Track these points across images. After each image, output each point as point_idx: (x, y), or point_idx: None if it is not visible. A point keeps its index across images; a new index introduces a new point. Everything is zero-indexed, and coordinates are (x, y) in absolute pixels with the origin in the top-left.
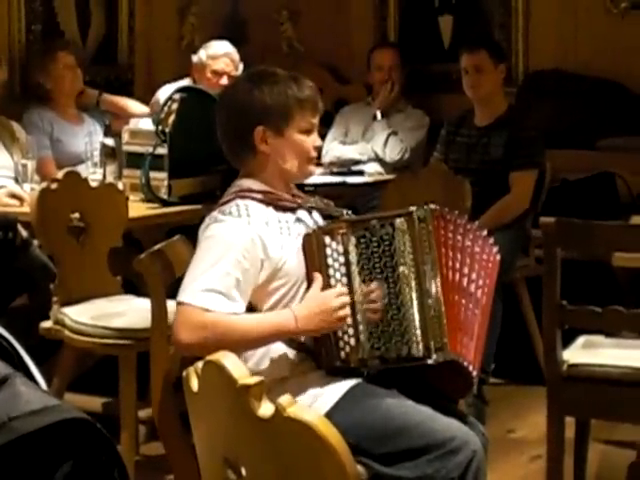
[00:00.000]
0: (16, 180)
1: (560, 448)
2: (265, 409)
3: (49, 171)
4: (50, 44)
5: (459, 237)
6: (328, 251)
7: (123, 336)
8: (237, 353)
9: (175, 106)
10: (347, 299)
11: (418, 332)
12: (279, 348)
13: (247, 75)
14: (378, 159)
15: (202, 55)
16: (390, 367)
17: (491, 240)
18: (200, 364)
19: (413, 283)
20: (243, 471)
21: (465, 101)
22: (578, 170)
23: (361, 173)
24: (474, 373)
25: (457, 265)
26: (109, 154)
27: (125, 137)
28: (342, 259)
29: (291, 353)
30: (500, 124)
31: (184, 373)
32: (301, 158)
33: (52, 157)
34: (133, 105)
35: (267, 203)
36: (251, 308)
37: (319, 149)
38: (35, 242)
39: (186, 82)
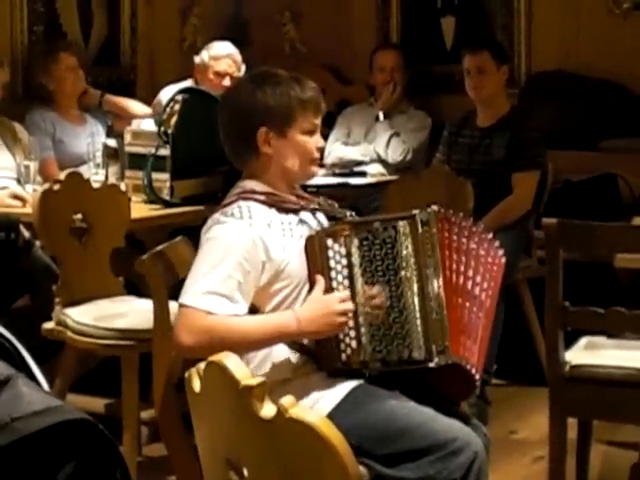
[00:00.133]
0: (18, 181)
1: (562, 449)
2: (267, 410)
3: (51, 172)
4: (52, 45)
5: (464, 240)
6: (330, 253)
7: (125, 337)
8: (239, 355)
9: (177, 107)
10: (350, 305)
11: (420, 335)
12: (281, 350)
13: (249, 76)
14: (380, 160)
15: (204, 56)
16: (392, 370)
17: (497, 243)
18: (202, 365)
19: (415, 286)
20: (245, 472)
21: (467, 102)
22: (580, 171)
23: (363, 174)
24: (477, 376)
25: (461, 268)
26: (111, 155)
27: (127, 138)
28: (344, 261)
29: (293, 355)
30: (502, 125)
31: (186, 374)
32: (304, 159)
33: (54, 158)
34: (135, 106)
35: (270, 205)
36: (253, 310)
37: (322, 150)
38: (37, 243)
39: (188, 83)
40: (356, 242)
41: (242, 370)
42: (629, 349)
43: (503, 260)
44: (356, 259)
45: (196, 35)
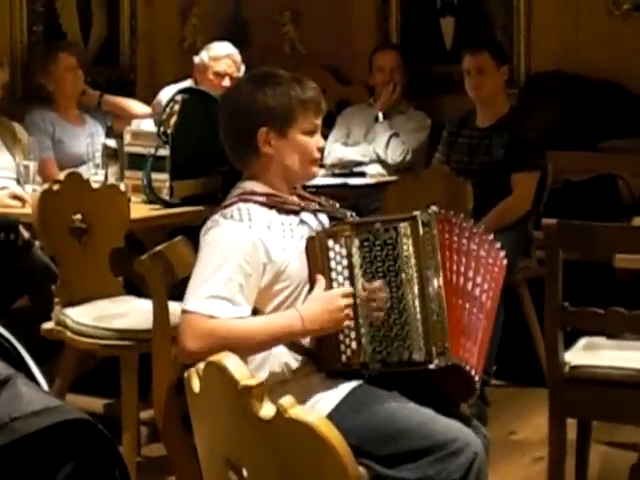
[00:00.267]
0: (18, 181)
1: (562, 450)
2: (266, 410)
3: (51, 172)
4: (51, 45)
5: (464, 241)
6: (331, 254)
7: (125, 337)
8: (244, 357)
9: (177, 107)
10: (352, 300)
11: (420, 337)
12: (280, 352)
13: (249, 77)
14: (380, 160)
15: (204, 56)
16: (392, 371)
17: (498, 244)
18: (201, 365)
19: (416, 288)
20: (244, 472)
21: (467, 102)
22: (580, 172)
23: (363, 175)
24: (477, 377)
25: (462, 269)
26: (111, 155)
27: (127, 138)
28: (345, 262)
29: (292, 356)
30: (502, 125)
31: (185, 374)
32: (304, 159)
33: (54, 158)
34: (135, 106)
35: (270, 206)
36: (254, 311)
37: (322, 150)
38: (37, 243)
39: (188, 83)
40: (357, 243)
41: (241, 370)
42: (629, 350)
43: (504, 262)
44: (357, 260)
45: (196, 35)
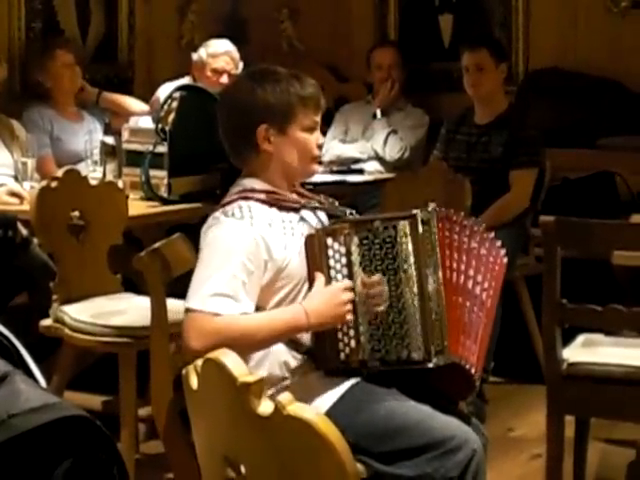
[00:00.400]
0: (16, 178)
1: (560, 447)
2: (265, 407)
3: (49, 169)
4: (49, 42)
5: (465, 239)
6: (330, 252)
7: (123, 334)
8: (249, 353)
9: (175, 104)
10: (353, 294)
11: (419, 335)
12: (279, 350)
13: (248, 73)
14: (378, 158)
15: (202, 53)
16: (390, 369)
17: (498, 242)
18: (200, 362)
19: (415, 286)
20: (242, 469)
21: (465, 100)
22: (578, 169)
23: (361, 172)
24: (476, 375)
25: (462, 267)
26: (109, 152)
27: (125, 135)
28: (344, 260)
29: (291, 354)
30: (500, 123)
31: (184, 371)
32: (304, 156)
33: (52, 155)
34: (133, 103)
35: (270, 204)
36: (256, 309)
37: (321, 147)
38: (35, 240)
39: (186, 80)
40: (356, 240)
41: (240, 367)
42: (627, 347)
43: (505, 260)
44: (356, 258)
45: (194, 32)
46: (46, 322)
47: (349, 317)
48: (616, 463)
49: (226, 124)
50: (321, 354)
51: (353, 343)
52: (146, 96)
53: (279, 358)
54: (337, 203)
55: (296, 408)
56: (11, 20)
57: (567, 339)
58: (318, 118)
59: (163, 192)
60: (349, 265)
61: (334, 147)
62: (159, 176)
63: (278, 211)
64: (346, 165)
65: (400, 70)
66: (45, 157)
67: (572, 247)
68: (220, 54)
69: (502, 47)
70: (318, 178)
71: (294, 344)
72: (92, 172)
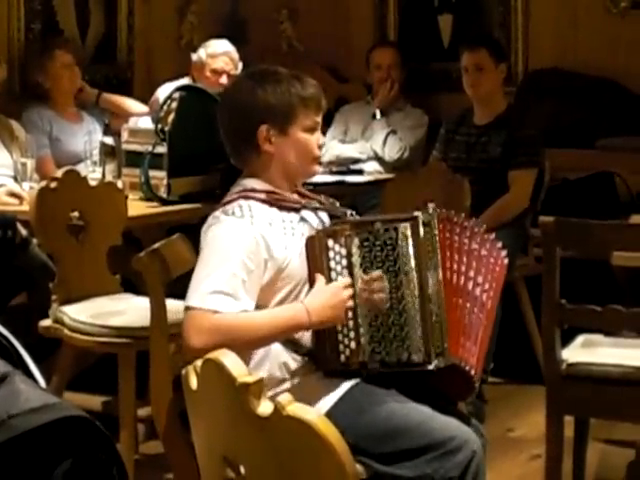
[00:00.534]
0: (15, 179)
1: (559, 447)
2: (264, 407)
3: (48, 170)
4: (48, 43)
5: (466, 240)
6: (331, 254)
7: (122, 335)
8: (249, 351)
9: (174, 105)
10: (351, 290)
11: (419, 338)
12: (278, 351)
13: (249, 74)
14: (377, 158)
15: (201, 54)
16: (390, 371)
17: (499, 244)
18: (199, 362)
19: (415, 289)
20: (242, 469)
21: (464, 100)
22: (577, 169)
23: (360, 172)
24: (476, 377)
25: (462, 268)
26: (108, 153)
27: (124, 136)
28: (345, 262)
29: (290, 356)
30: (499, 123)
31: (183, 371)
32: (305, 157)
33: (51, 156)
34: (132, 104)
35: (270, 203)
36: (257, 308)
37: (322, 147)
38: (34, 241)
39: (185, 81)
40: (357, 242)
41: (239, 367)
42: (626, 347)
43: (506, 261)
44: (356, 259)
45: (193, 33)
46: (45, 322)
47: (350, 316)
48: (615, 463)
49: (227, 124)
50: (321, 355)
51: (353, 345)
52: (145, 96)
53: (279, 359)
54: (338, 204)
55: (295, 409)
56: (10, 20)
57: (566, 339)
58: (319, 119)
59: (162, 192)
60: (350, 266)
61: (333, 147)
62: (158, 176)
63: (278, 211)
64: (345, 165)
65: (399, 70)
66: (44, 158)
67: (571, 247)
68: (219, 54)
69: (501, 47)
70: (317, 178)
71: (294, 345)
72: (91, 173)
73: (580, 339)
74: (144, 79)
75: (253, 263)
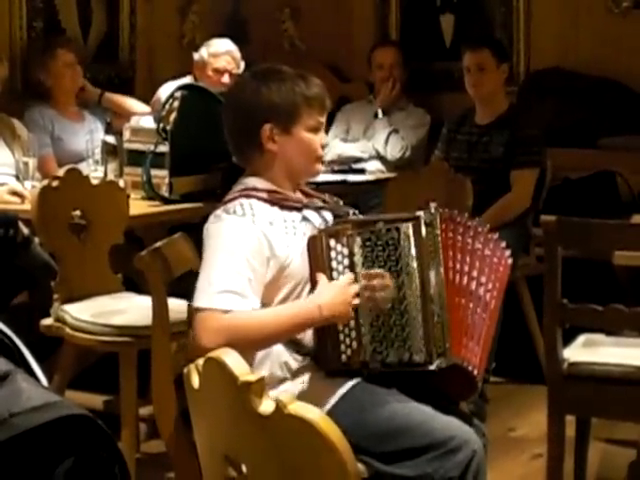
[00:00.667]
0: (17, 178)
1: (561, 447)
2: (266, 406)
3: (50, 169)
4: (49, 42)
5: (469, 240)
6: (333, 254)
7: (124, 333)
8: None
9: (176, 104)
10: (357, 286)
11: (421, 338)
12: (280, 351)
13: (253, 73)
14: (379, 157)
15: (203, 53)
16: (392, 371)
17: (503, 243)
18: (201, 361)
19: (417, 289)
20: (244, 468)
21: (466, 99)
22: (579, 169)
23: (362, 171)
24: (478, 376)
25: (465, 268)
26: (110, 152)
27: (126, 135)
28: (347, 262)
29: (291, 356)
30: (501, 123)
31: (185, 370)
32: (308, 157)
33: (53, 155)
34: (134, 104)
35: (272, 202)
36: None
37: (325, 147)
38: (36, 240)
39: (187, 80)
40: (359, 242)
41: (241, 366)
42: (627, 346)
43: (510, 261)
44: (358, 259)
45: (195, 32)
46: (47, 321)
47: (351, 314)
48: (617, 463)
49: (231, 123)
50: (322, 355)
51: (355, 344)
52: (147, 95)
53: (280, 359)
54: (341, 202)
55: (297, 407)
56: (12, 19)
57: (568, 339)
58: (323, 119)
59: (164, 192)
60: (352, 266)
61: (335, 146)
62: (160, 175)
63: (280, 210)
64: (347, 164)
65: (401, 70)
66: (46, 156)
67: (573, 247)
68: (221, 54)
69: (503, 47)
70: (319, 178)
71: (295, 345)
72: (93, 171)
73: (582, 339)
74: (146, 78)
75: (257, 261)
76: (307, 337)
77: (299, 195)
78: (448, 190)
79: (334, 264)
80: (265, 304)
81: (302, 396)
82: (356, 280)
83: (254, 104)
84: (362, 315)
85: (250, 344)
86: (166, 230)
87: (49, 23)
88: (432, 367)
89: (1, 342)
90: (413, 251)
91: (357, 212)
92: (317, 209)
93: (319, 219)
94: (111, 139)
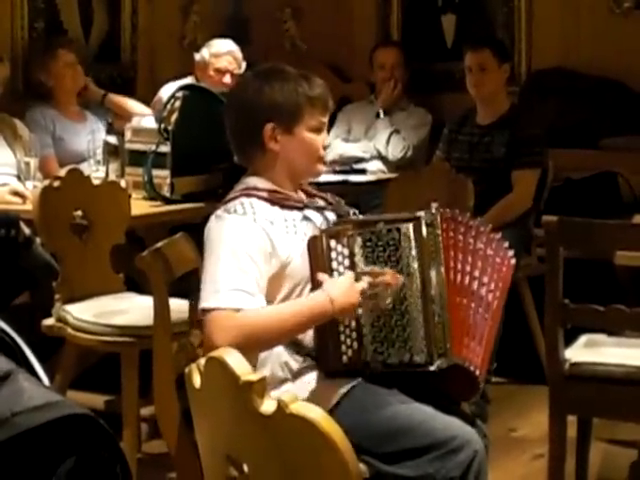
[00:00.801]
0: (19, 178)
1: (562, 447)
2: (267, 406)
3: (51, 169)
4: (50, 42)
5: (470, 240)
6: (333, 254)
7: (125, 334)
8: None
9: (178, 104)
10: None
11: (421, 339)
12: (280, 352)
13: (256, 72)
14: (381, 157)
15: (205, 53)
16: (392, 372)
17: (506, 243)
18: (202, 361)
19: (418, 289)
20: (245, 468)
21: (468, 100)
22: (581, 169)
23: (363, 171)
24: (481, 377)
25: (467, 268)
26: (112, 152)
27: (128, 135)
28: (347, 262)
29: (292, 357)
30: (503, 123)
31: (186, 370)
32: (310, 157)
33: (54, 155)
34: (136, 106)
35: (272, 202)
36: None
37: (326, 147)
38: (38, 240)
39: (189, 80)
40: (359, 242)
41: (242, 366)
42: (629, 347)
43: (513, 261)
44: (359, 259)
45: (196, 32)
46: (49, 321)
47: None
48: (618, 463)
49: (233, 122)
50: (323, 356)
51: (356, 345)
52: (149, 96)
53: (280, 359)
54: (343, 202)
55: (299, 407)
56: (14, 19)
57: (569, 339)
58: (325, 119)
59: (166, 192)
60: (352, 267)
61: (337, 146)
62: (162, 176)
63: (280, 210)
64: (348, 164)
65: (403, 70)
66: (48, 157)
67: (575, 247)
68: (223, 54)
69: (505, 47)
70: (320, 178)
71: (295, 346)
72: (95, 172)
73: (583, 339)
74: (147, 78)
75: (260, 259)
76: (307, 338)
77: (301, 195)
78: (449, 190)
79: (335, 264)
80: (269, 301)
81: (303, 396)
82: (357, 280)
83: (256, 103)
84: (363, 316)
85: (263, 342)
86: (167, 230)
87: (50, 23)
88: (433, 367)
89: (3, 341)
90: (414, 251)
91: (357, 212)
92: (318, 209)
93: (320, 218)
94: (112, 139)
